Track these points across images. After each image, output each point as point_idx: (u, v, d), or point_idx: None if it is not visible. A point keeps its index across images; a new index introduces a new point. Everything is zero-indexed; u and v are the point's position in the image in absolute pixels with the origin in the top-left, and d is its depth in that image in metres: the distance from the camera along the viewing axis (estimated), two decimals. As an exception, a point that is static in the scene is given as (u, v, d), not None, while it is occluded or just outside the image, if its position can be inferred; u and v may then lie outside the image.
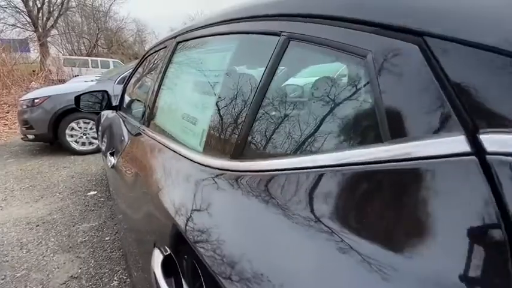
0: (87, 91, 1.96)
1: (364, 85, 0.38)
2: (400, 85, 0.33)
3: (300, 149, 0.45)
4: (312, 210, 0.38)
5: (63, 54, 17.84)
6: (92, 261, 1.76)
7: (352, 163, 0.36)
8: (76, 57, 15.75)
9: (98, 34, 21.26)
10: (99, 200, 2.57)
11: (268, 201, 0.44)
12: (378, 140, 0.34)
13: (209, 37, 0.86)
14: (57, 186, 2.87)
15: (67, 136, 3.74)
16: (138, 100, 1.64)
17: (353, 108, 0.40)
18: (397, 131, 0.32)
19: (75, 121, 3.73)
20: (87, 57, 15.51)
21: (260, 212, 0.44)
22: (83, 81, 4.82)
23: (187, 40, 1.01)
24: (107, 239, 1.98)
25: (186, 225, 0.55)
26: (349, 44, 0.40)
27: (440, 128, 0.29)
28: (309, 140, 0.44)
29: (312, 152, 0.42)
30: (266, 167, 0.48)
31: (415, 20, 0.34)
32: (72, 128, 3.75)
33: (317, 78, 0.49)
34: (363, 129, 0.38)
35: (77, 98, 1.85)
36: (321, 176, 0.39)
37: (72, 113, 3.64)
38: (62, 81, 8.98)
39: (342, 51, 0.41)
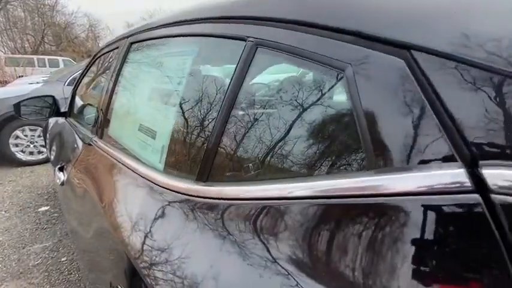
0: (29, 97, 1.75)
1: (344, 104, 0.33)
2: (385, 105, 0.29)
3: (277, 173, 0.39)
4: (293, 259, 0.33)
5: (4, 53, 16.20)
6: (48, 287, 1.59)
7: (329, 196, 0.31)
8: (20, 55, 14.36)
9: (44, 30, 19.52)
10: (52, 216, 2.33)
11: (240, 243, 0.38)
12: (360, 169, 0.30)
13: (167, 38, 0.76)
14: (2, 204, 2.55)
15: (11, 146, 3.34)
16: (89, 106, 1.48)
17: (331, 132, 0.35)
18: (384, 160, 0.28)
19: (20, 128, 3.35)
20: (32, 56, 14.13)
21: (231, 255, 0.38)
22: (27, 83, 4.36)
23: (142, 41, 0.90)
24: (63, 259, 1.80)
25: (142, 262, 0.47)
26: (325, 55, 0.35)
27: (434, 159, 0.25)
28: (285, 164, 0.38)
29: (293, 179, 0.37)
30: (238, 194, 0.42)
31: (402, 32, 0.29)
32: (17, 137, 3.36)
33: (287, 92, 0.44)
34: (342, 156, 0.33)
35: (17, 105, 1.65)
36: (307, 208, 0.34)
37: (15, 120, 3.25)
38: (4, 83, 8.13)
39: (317, 62, 0.36)
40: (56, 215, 2.34)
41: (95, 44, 22.57)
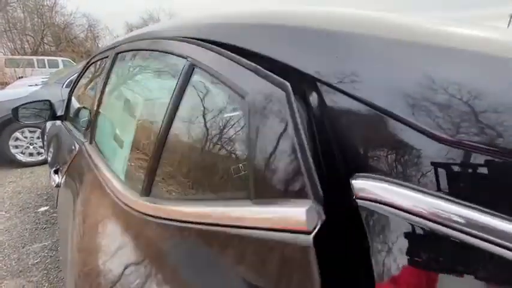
0: (26, 102, 1.81)
1: (242, 131, 0.33)
2: (266, 135, 0.29)
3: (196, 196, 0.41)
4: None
5: (4, 54, 16.23)
6: (46, 284, 1.64)
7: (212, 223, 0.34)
8: (19, 56, 14.35)
9: (43, 31, 19.49)
10: (51, 216, 2.39)
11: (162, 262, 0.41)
12: (245, 197, 0.30)
13: (141, 52, 0.81)
14: (3, 204, 2.61)
15: (11, 148, 3.40)
16: (82, 110, 1.54)
17: (231, 157, 0.36)
18: (261, 190, 0.28)
19: (19, 130, 3.40)
20: (32, 57, 14.11)
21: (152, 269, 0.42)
22: (27, 85, 4.41)
23: (125, 52, 0.95)
24: (61, 258, 1.85)
25: (97, 268, 0.52)
26: (234, 83, 0.35)
27: (293, 189, 0.26)
28: (203, 186, 0.41)
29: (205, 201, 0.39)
30: (171, 215, 0.43)
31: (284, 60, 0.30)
32: (17, 138, 3.42)
33: (212, 113, 0.42)
34: (233, 182, 0.34)
35: (15, 110, 1.71)
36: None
37: (15, 122, 3.30)
38: (4, 84, 8.19)
39: (230, 88, 0.36)
40: (55, 215, 2.39)
41: (94, 44, 22.52)
